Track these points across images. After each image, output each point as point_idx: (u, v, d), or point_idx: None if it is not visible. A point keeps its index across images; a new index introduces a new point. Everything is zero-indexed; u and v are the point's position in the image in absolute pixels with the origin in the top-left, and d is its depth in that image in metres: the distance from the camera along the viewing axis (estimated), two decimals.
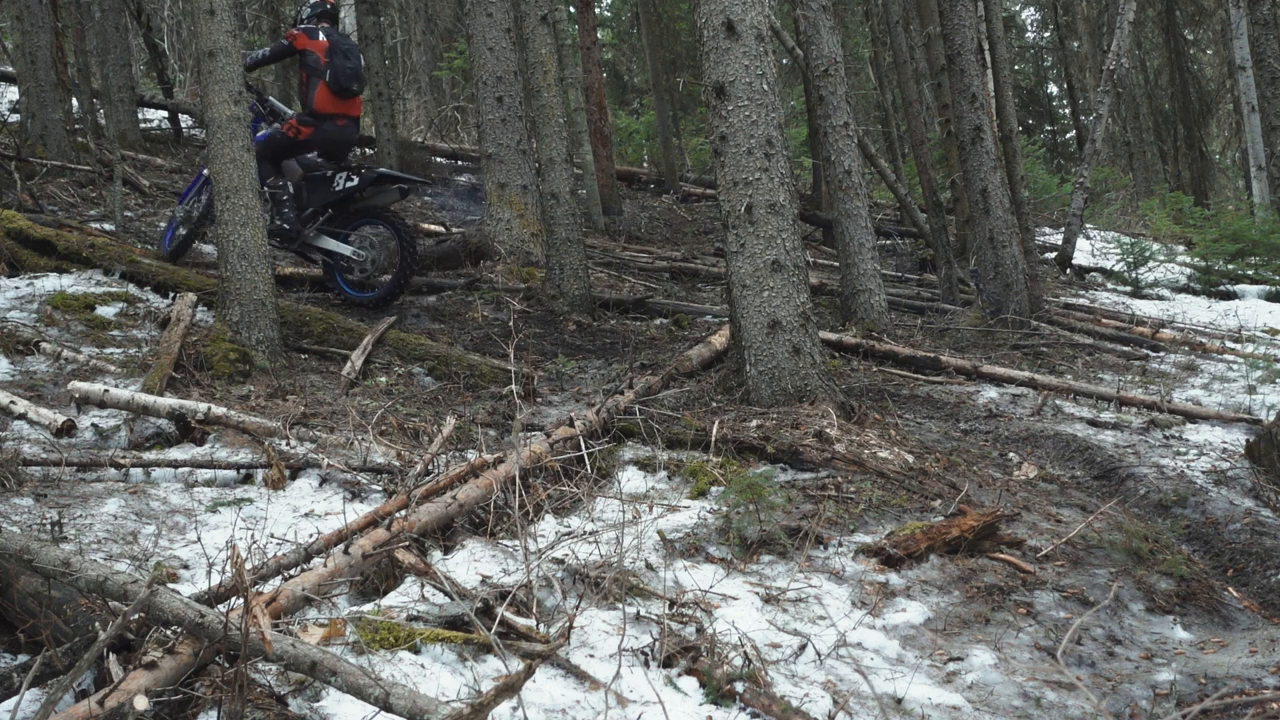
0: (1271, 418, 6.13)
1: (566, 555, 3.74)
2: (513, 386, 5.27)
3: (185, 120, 14.69)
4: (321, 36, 7.46)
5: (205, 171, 7.40)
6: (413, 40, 22.29)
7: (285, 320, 6.47)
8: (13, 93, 13.19)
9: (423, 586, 3.40)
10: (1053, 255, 13.90)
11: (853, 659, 3.34)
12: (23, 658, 2.84)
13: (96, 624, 2.71)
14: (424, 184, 7.60)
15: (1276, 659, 3.41)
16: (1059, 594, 3.91)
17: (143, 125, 13.65)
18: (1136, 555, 4.18)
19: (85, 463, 4.41)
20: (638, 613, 3.41)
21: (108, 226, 8.79)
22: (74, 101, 11.13)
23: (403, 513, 3.79)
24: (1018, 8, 29.90)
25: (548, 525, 4.14)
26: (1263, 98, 12.78)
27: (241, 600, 2.63)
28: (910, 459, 5.06)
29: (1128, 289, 13.20)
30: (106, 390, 4.91)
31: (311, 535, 3.83)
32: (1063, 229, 14.41)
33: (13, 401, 4.82)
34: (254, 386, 5.65)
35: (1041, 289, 10.38)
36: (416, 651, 2.99)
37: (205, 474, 4.53)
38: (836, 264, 9.94)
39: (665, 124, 17.35)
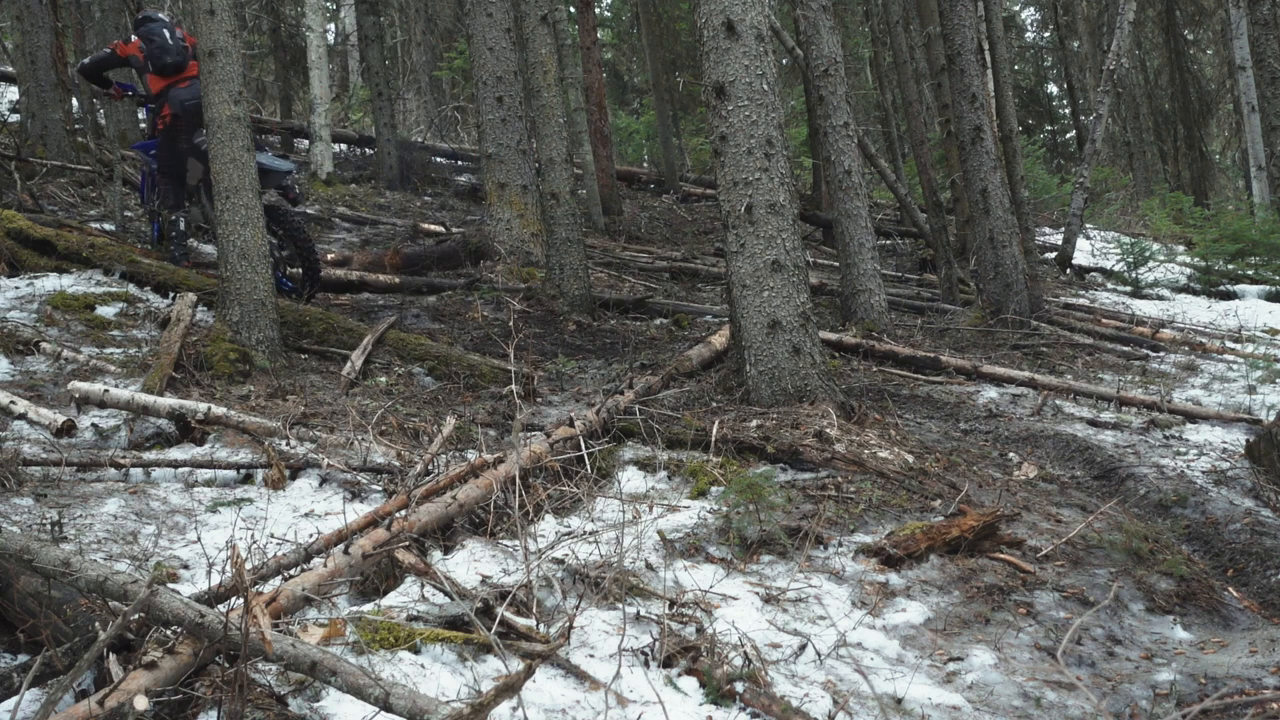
0: (1271, 418, 6.13)
1: (566, 555, 3.74)
2: (513, 386, 5.27)
3: None
4: (134, 38, 7.66)
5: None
6: (413, 40, 22.29)
7: (285, 320, 6.47)
8: (13, 93, 13.19)
9: (423, 586, 3.40)
10: (1053, 255, 13.90)
11: (853, 659, 3.34)
12: (23, 658, 2.84)
13: (96, 624, 2.71)
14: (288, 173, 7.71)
15: (1276, 659, 3.41)
16: (1059, 594, 3.91)
17: (142, 125, 13.65)
18: (1136, 555, 4.18)
19: (85, 463, 4.41)
20: (638, 613, 3.41)
21: (108, 226, 8.79)
22: (74, 101, 11.13)
23: (403, 513, 3.79)
24: (1018, 8, 29.89)
25: (548, 525, 4.14)
26: (1263, 98, 12.78)
27: (241, 600, 2.63)
28: (910, 459, 5.06)
29: (1128, 289, 13.20)
30: (106, 390, 4.91)
31: (311, 535, 3.83)
32: (1063, 229, 14.42)
33: (13, 401, 4.82)
34: (254, 386, 5.65)
35: (1041, 289, 10.38)
36: (416, 651, 2.99)
37: (205, 474, 4.53)
38: (836, 264, 9.94)
39: (665, 124, 17.35)
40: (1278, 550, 4.48)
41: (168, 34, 7.50)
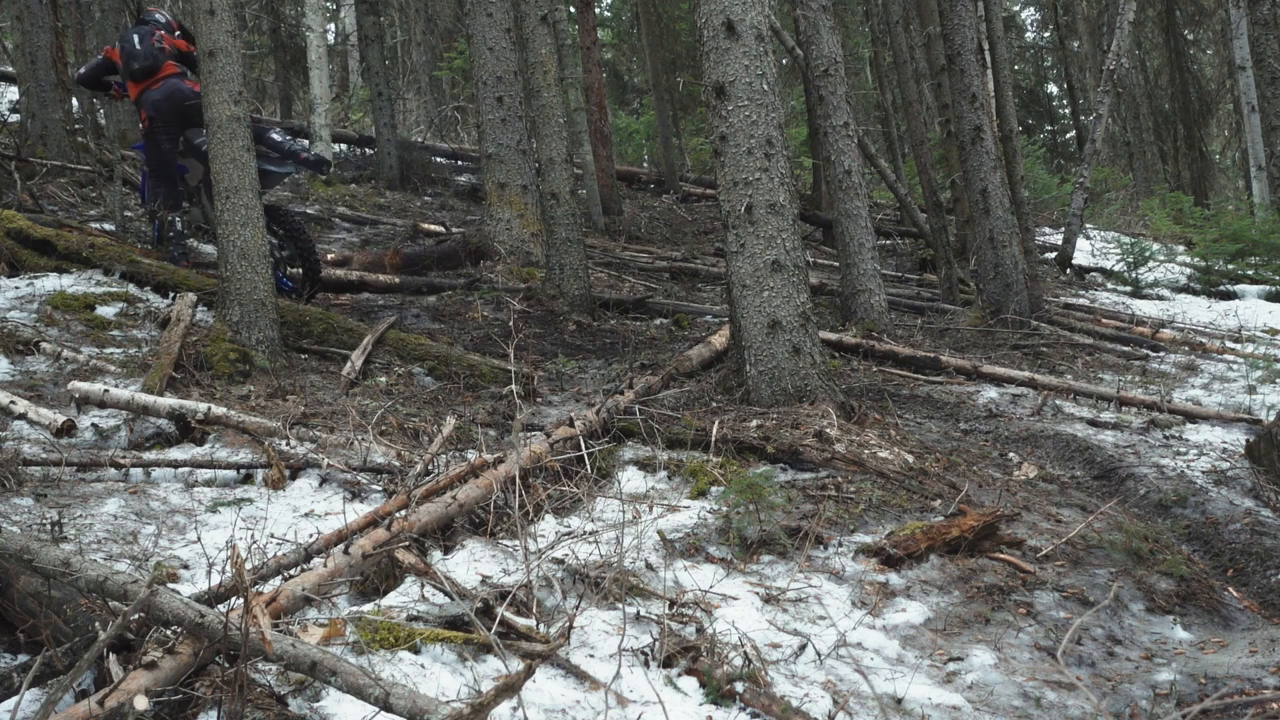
0: (1271, 418, 6.13)
1: (566, 555, 3.74)
2: (513, 386, 5.27)
3: None
4: (118, 44, 7.70)
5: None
6: (413, 40, 22.29)
7: (285, 320, 6.47)
8: (13, 93, 13.19)
9: (423, 586, 3.40)
10: (1053, 255, 13.90)
11: (853, 659, 3.34)
12: (23, 658, 2.84)
13: (96, 624, 2.71)
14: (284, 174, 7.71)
15: (1276, 659, 3.41)
16: (1059, 594, 3.91)
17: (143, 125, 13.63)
18: (1136, 555, 4.18)
19: (85, 463, 4.41)
20: (638, 613, 3.41)
21: (108, 226, 8.79)
22: (74, 101, 11.12)
23: (403, 513, 3.79)
24: (1018, 8, 29.90)
25: (548, 525, 4.14)
26: (1263, 98, 12.78)
27: (241, 600, 2.63)
28: (910, 459, 5.06)
29: (1128, 289, 13.20)
30: (106, 390, 4.91)
31: (311, 535, 3.83)
32: (1063, 229, 14.42)
33: (13, 401, 4.82)
34: (254, 386, 5.65)
35: (1041, 289, 10.38)
36: (416, 651, 2.99)
37: (205, 474, 4.53)
38: (836, 264, 9.94)
39: (665, 124, 17.35)
40: (1278, 550, 4.48)
41: (136, 39, 7.52)
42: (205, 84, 6.14)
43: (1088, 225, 16.35)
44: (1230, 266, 13.62)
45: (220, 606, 2.96)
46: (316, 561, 3.42)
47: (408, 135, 17.07)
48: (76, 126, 11.01)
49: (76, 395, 4.92)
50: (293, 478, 4.55)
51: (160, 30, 7.65)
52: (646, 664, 3.15)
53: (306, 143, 13.76)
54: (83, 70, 8.00)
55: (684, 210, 15.91)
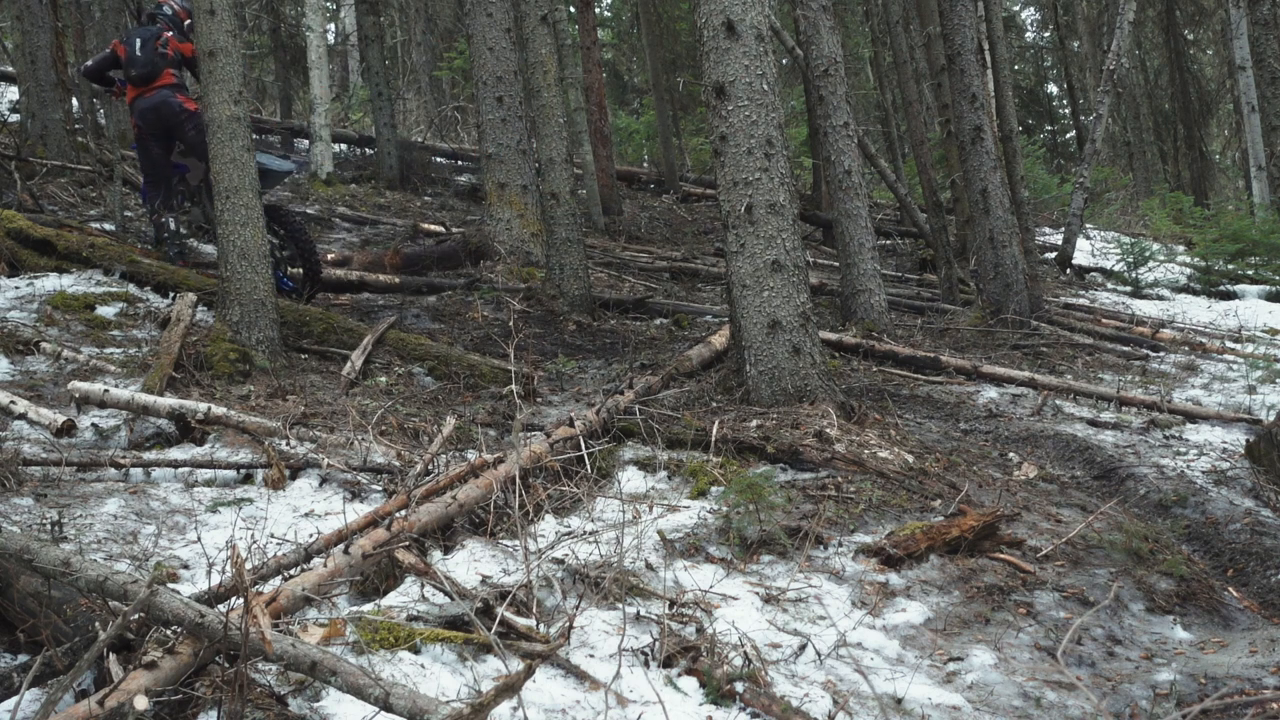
0: (1271, 418, 6.13)
1: (566, 555, 3.74)
2: (513, 386, 5.27)
3: None
4: (124, 40, 7.66)
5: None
6: (413, 40, 22.29)
7: (285, 320, 6.47)
8: (13, 93, 13.19)
9: (423, 586, 3.40)
10: (1053, 255, 13.90)
11: (853, 659, 3.34)
12: (23, 658, 2.84)
13: (96, 624, 2.71)
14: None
15: (1276, 659, 3.41)
16: (1059, 594, 3.91)
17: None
18: (1136, 555, 4.18)
19: (85, 463, 4.41)
20: (638, 613, 3.41)
21: (108, 226, 8.79)
22: (74, 101, 11.12)
23: (403, 513, 3.79)
24: (1018, 8, 29.89)
25: (548, 525, 4.14)
26: (1263, 98, 12.78)
27: (241, 600, 2.63)
28: (910, 459, 5.06)
29: (1128, 289, 13.20)
30: (106, 390, 4.91)
31: (311, 535, 3.83)
32: (1063, 229, 14.42)
33: (13, 401, 4.82)
34: (254, 386, 5.65)
35: (1041, 289, 10.38)
36: (416, 651, 2.99)
37: (205, 474, 4.53)
38: (836, 264, 9.94)
39: (665, 124, 17.34)
40: (1278, 550, 4.48)
41: (139, 42, 7.49)
42: (205, 84, 6.14)
43: (1088, 225, 16.35)
44: (1230, 266, 13.62)
45: (220, 606, 2.96)
46: (316, 561, 3.42)
47: (408, 135, 17.07)
48: (76, 126, 11.01)
49: (76, 395, 4.92)
50: (293, 478, 4.55)
51: (168, 32, 7.61)
52: (646, 664, 3.15)
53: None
54: (89, 63, 8.00)
55: (684, 210, 15.91)
